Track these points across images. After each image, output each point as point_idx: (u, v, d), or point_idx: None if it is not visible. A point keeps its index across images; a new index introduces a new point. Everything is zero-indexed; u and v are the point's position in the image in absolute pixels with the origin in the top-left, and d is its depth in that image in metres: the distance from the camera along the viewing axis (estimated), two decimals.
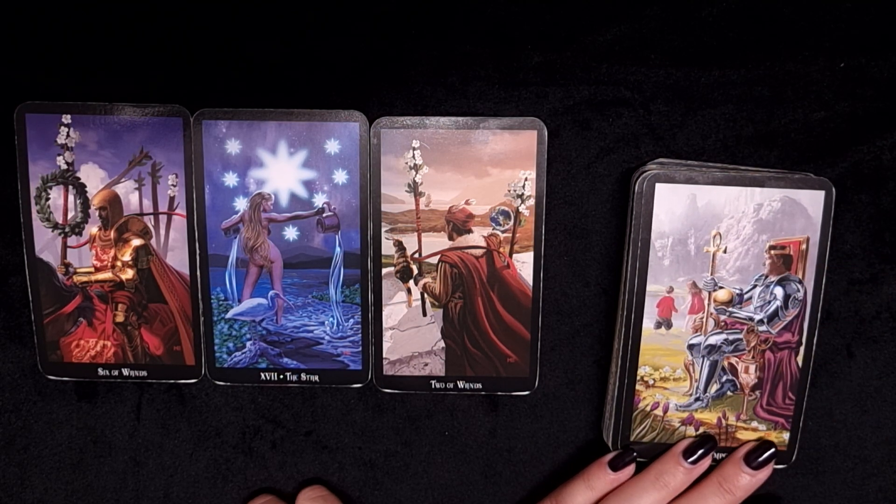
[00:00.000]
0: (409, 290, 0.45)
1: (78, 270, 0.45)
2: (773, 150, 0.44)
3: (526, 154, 0.43)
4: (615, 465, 0.43)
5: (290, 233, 0.44)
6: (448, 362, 0.46)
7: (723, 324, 0.43)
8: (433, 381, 0.46)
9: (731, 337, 0.44)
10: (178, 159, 0.44)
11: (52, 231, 0.44)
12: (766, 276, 0.43)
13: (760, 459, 0.43)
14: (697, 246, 0.43)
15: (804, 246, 0.42)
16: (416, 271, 0.45)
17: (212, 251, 0.44)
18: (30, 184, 0.44)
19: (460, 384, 0.46)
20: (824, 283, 0.43)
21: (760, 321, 0.43)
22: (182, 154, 0.43)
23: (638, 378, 0.44)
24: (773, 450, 0.43)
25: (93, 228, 0.44)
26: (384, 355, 0.46)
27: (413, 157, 0.43)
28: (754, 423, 0.44)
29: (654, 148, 0.44)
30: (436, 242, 0.44)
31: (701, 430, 0.45)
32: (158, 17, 0.43)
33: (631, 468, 0.43)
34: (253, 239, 0.44)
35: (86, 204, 0.44)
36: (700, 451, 0.43)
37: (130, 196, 0.44)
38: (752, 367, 0.44)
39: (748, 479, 0.42)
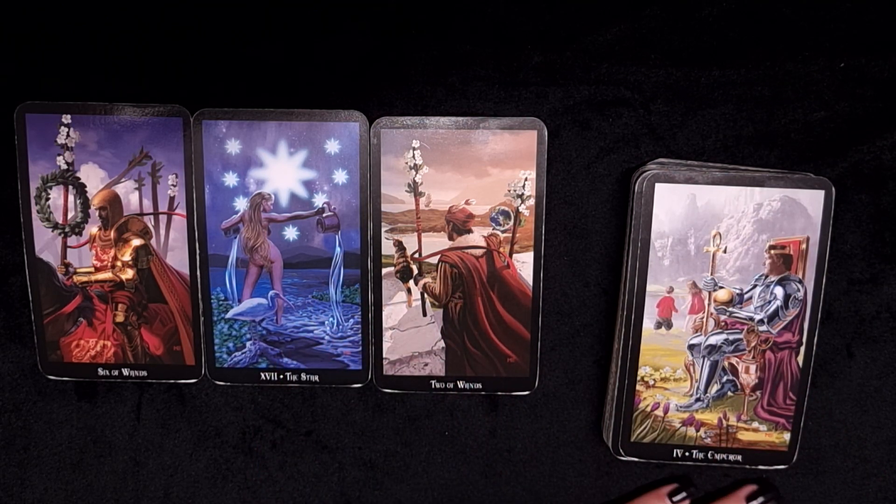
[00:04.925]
0: (409, 290, 0.45)
1: (78, 270, 0.45)
2: (773, 150, 0.44)
3: (526, 154, 0.43)
4: (674, 496, 0.45)
5: (290, 233, 0.44)
6: (448, 362, 0.46)
7: (723, 324, 0.43)
8: (433, 381, 0.46)
9: (731, 337, 0.44)
10: (178, 159, 0.44)
11: (52, 231, 0.44)
12: (766, 276, 0.43)
13: None
14: (697, 246, 0.43)
15: (804, 245, 0.42)
16: (416, 271, 0.45)
17: (212, 251, 0.44)
18: (30, 184, 0.44)
19: (460, 384, 0.46)
20: (824, 283, 0.43)
21: (761, 321, 0.43)
22: (182, 154, 0.43)
23: (638, 378, 0.44)
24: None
25: (93, 228, 0.44)
26: (384, 355, 0.46)
27: (413, 157, 0.43)
28: (755, 424, 0.44)
29: (654, 148, 0.44)
30: (436, 242, 0.44)
31: (702, 430, 0.45)
32: (158, 17, 0.43)
33: (687, 502, 0.45)
34: (253, 239, 0.44)
35: (86, 204, 0.44)
36: (761, 499, 0.45)
37: (130, 196, 0.44)
38: (753, 368, 0.44)
39: None
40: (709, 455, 0.45)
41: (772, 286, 0.43)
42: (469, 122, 0.43)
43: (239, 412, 0.48)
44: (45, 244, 0.45)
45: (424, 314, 0.45)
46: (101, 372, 0.46)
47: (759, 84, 0.43)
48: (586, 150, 0.44)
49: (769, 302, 0.43)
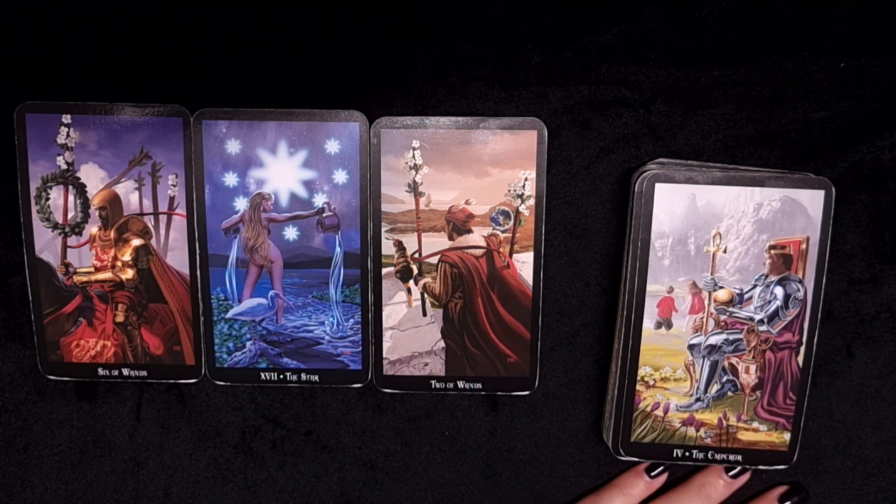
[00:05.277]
0: (409, 290, 0.45)
1: (78, 270, 0.45)
2: (773, 150, 0.44)
3: (526, 154, 0.43)
4: (651, 471, 0.46)
5: (290, 233, 0.44)
6: (448, 362, 0.46)
7: (723, 324, 0.43)
8: (433, 381, 0.46)
9: (731, 337, 0.44)
10: (178, 159, 0.44)
11: (52, 231, 0.44)
12: (767, 276, 0.43)
13: (792, 502, 0.46)
14: (697, 246, 0.43)
15: (804, 245, 0.42)
16: (416, 271, 0.45)
17: (212, 251, 0.44)
18: (30, 184, 0.44)
19: (460, 384, 0.46)
20: (824, 282, 0.43)
21: (761, 321, 0.43)
22: (182, 154, 0.43)
23: (638, 378, 0.44)
24: (804, 494, 0.46)
25: (93, 228, 0.44)
26: (384, 355, 0.46)
27: (413, 157, 0.43)
28: (755, 424, 0.44)
29: (654, 148, 0.44)
30: (436, 242, 0.44)
31: (702, 430, 0.45)
32: (158, 17, 0.43)
33: (665, 475, 0.46)
34: (253, 239, 0.44)
35: (86, 204, 0.44)
36: (739, 468, 0.46)
37: (130, 196, 0.44)
38: (753, 368, 0.44)
39: None
40: (709, 455, 0.45)
41: (772, 286, 0.43)
42: (469, 122, 0.43)
43: (239, 412, 0.48)
44: (45, 244, 0.45)
45: (424, 314, 0.45)
46: (101, 372, 0.46)
47: (759, 84, 0.43)
48: (586, 150, 0.44)
49: (769, 302, 0.43)
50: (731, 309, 0.43)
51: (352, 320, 0.45)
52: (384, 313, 0.45)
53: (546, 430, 0.47)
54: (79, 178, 0.44)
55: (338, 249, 0.44)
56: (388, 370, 0.46)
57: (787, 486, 0.46)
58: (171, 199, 0.44)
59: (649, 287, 0.43)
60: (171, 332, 0.46)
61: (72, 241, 0.45)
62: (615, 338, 0.45)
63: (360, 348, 0.46)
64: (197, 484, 0.48)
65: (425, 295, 0.45)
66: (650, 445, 0.45)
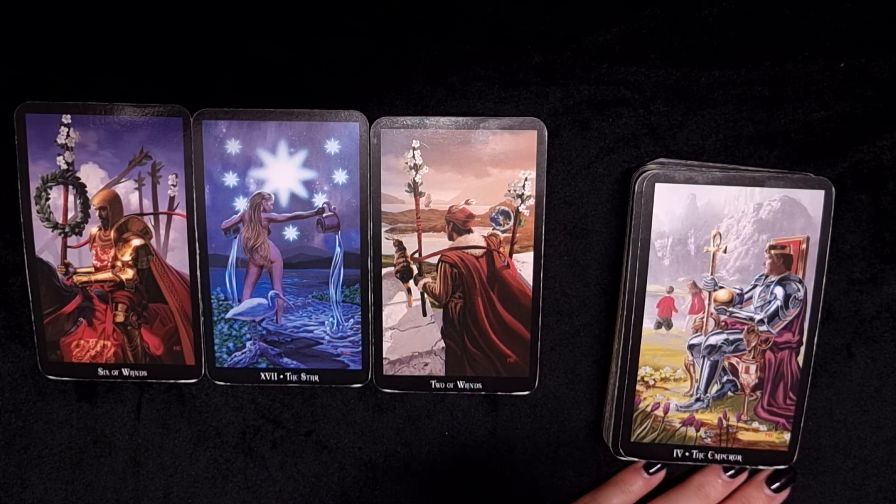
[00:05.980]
0: (409, 290, 0.45)
1: (78, 270, 0.45)
2: (773, 150, 0.44)
3: (526, 154, 0.43)
4: (649, 468, 0.46)
5: (290, 233, 0.44)
6: (448, 362, 0.46)
7: (723, 324, 0.43)
8: (433, 381, 0.46)
9: (731, 337, 0.44)
10: (178, 159, 0.44)
11: (52, 231, 0.44)
12: (767, 276, 0.43)
13: (780, 483, 0.45)
14: (697, 246, 0.43)
15: (804, 245, 0.42)
16: (416, 271, 0.45)
17: (212, 251, 0.44)
18: (30, 184, 0.44)
19: (460, 384, 0.46)
20: (824, 283, 0.43)
21: (761, 321, 0.43)
22: (182, 154, 0.43)
23: (638, 378, 0.44)
24: (791, 474, 0.46)
25: (93, 228, 0.44)
26: (384, 355, 0.46)
27: (413, 157, 0.43)
28: (755, 424, 0.44)
29: (654, 148, 0.44)
30: (436, 242, 0.44)
31: (702, 430, 0.45)
32: (159, 16, 0.43)
33: (663, 472, 0.46)
34: (253, 239, 0.44)
35: (86, 204, 0.44)
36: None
37: (130, 196, 0.44)
38: (753, 368, 0.44)
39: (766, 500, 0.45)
40: (709, 455, 0.45)
41: (772, 286, 0.43)
42: (469, 122, 0.43)
43: (239, 412, 0.48)
44: (45, 244, 0.45)
45: (424, 314, 0.45)
46: (101, 372, 0.46)
47: (759, 84, 0.43)
48: (586, 150, 0.44)
49: (769, 302, 0.43)
50: (731, 309, 0.43)
51: (352, 320, 0.45)
52: (384, 313, 0.45)
53: (546, 430, 0.47)
54: (79, 178, 0.44)
55: (338, 249, 0.44)
56: (388, 370, 0.46)
57: (773, 469, 0.46)
58: (171, 199, 0.44)
59: (649, 287, 0.43)
60: (171, 332, 0.46)
61: (72, 241, 0.45)
62: (615, 338, 0.45)
63: (360, 348, 0.46)
64: (197, 484, 0.48)
65: (425, 295, 0.45)
66: (650, 445, 0.45)
